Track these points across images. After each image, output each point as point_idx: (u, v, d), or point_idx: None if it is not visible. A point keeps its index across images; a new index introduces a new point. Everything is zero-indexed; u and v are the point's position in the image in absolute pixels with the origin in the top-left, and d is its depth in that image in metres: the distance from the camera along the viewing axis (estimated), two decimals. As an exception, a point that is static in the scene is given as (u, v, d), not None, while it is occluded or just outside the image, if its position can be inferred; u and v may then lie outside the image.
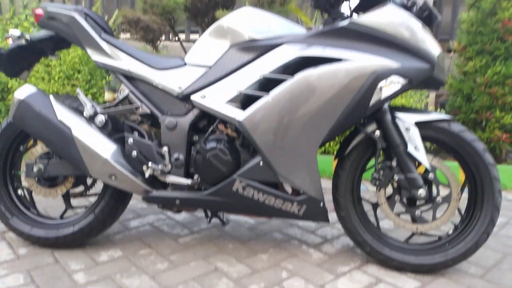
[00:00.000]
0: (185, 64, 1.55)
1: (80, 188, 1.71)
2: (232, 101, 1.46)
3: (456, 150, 1.49)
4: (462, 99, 2.96)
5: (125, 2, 4.03)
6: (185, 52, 2.86)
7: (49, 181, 1.61)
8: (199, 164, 1.49)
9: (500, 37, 2.77)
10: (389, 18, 1.39)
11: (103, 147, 1.47)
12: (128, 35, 2.99)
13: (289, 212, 1.50)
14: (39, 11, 1.58)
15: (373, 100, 1.39)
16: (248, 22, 1.50)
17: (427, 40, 1.41)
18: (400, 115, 1.47)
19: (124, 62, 1.54)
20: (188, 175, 1.54)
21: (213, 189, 1.49)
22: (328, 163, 2.56)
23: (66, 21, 1.54)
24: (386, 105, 1.47)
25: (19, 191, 1.70)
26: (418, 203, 1.52)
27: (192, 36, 3.60)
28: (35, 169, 1.55)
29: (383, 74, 1.37)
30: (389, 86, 1.39)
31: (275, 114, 1.40)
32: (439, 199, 1.50)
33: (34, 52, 1.67)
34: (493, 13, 2.79)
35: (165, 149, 1.51)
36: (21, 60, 1.65)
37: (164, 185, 1.55)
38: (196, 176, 1.51)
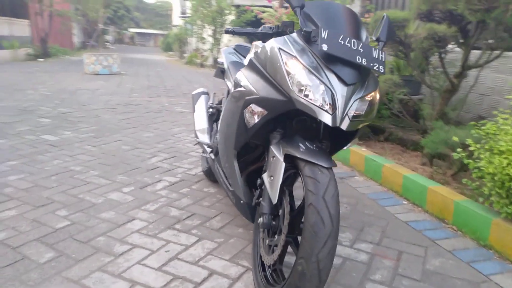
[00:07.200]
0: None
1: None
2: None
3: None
4: None
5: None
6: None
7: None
8: None
9: None
10: (263, 54, 1.48)
11: (199, 124, 2.54)
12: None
13: (230, 197, 1.94)
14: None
15: (249, 124, 1.53)
16: (251, 51, 1.97)
17: (287, 74, 1.34)
18: (283, 143, 1.46)
19: (230, 79, 2.46)
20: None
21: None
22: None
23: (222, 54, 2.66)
24: (277, 131, 1.53)
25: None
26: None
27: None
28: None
29: (246, 102, 1.51)
30: (257, 114, 1.50)
31: (221, 118, 1.93)
32: (278, 238, 1.42)
33: None
34: None
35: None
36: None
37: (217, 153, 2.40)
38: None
